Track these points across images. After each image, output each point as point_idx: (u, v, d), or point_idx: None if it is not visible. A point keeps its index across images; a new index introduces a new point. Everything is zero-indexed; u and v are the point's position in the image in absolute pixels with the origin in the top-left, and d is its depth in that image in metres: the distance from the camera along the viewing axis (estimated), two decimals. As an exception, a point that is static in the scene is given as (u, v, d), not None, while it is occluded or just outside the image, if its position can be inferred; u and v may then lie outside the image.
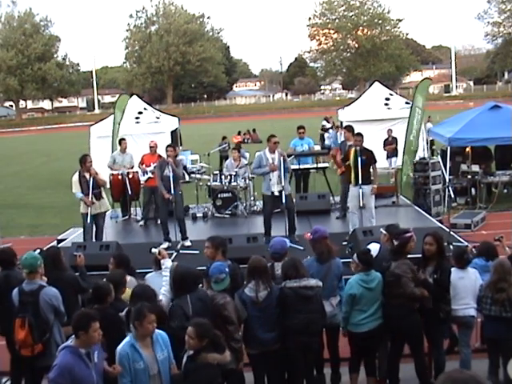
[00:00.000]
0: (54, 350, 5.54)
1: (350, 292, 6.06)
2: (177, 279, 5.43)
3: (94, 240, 10.29)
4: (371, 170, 10.07)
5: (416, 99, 13.67)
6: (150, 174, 12.05)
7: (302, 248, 9.08)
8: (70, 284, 6.23)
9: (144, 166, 12.24)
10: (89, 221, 10.22)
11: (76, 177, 10.31)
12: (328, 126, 28.96)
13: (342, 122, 20.60)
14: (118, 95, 20.06)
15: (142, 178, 12.28)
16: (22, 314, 5.69)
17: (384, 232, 6.81)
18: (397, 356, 6.23)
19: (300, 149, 13.44)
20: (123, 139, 13.43)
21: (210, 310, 5.31)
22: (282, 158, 9.88)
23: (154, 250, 6.35)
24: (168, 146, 10.60)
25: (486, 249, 6.80)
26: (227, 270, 5.66)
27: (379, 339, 6.22)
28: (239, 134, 31.31)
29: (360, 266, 6.11)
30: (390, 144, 17.94)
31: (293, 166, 12.13)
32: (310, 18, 79.04)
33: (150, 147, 12.42)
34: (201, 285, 5.73)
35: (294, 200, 10.94)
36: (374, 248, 6.70)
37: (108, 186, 12.64)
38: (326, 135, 27.18)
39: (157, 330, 4.83)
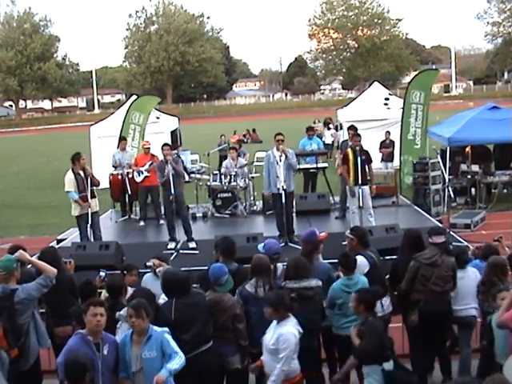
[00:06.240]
0: (32, 353, 5.52)
1: (331, 297, 5.93)
2: (164, 284, 5.44)
3: (92, 240, 10.20)
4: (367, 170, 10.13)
5: (411, 95, 13.57)
6: (146, 173, 12.08)
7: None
8: (66, 284, 6.17)
9: (137, 166, 12.23)
10: (90, 222, 10.10)
11: (71, 174, 9.98)
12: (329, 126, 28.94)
13: (341, 123, 20.58)
14: (118, 95, 20.04)
15: (138, 178, 12.22)
16: None
17: (350, 236, 6.51)
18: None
19: (309, 148, 13.85)
20: (124, 139, 13.52)
21: (202, 314, 5.26)
22: (283, 157, 9.93)
23: (148, 263, 6.42)
24: (164, 144, 10.48)
25: (487, 251, 6.76)
26: (226, 269, 5.66)
27: None
28: (235, 133, 31.30)
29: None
30: (386, 147, 17.27)
31: (301, 166, 12.60)
32: (309, 18, 79.17)
33: (144, 147, 12.53)
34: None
35: (294, 200, 10.95)
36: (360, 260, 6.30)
37: (108, 185, 12.67)
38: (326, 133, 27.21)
39: (157, 330, 4.81)
